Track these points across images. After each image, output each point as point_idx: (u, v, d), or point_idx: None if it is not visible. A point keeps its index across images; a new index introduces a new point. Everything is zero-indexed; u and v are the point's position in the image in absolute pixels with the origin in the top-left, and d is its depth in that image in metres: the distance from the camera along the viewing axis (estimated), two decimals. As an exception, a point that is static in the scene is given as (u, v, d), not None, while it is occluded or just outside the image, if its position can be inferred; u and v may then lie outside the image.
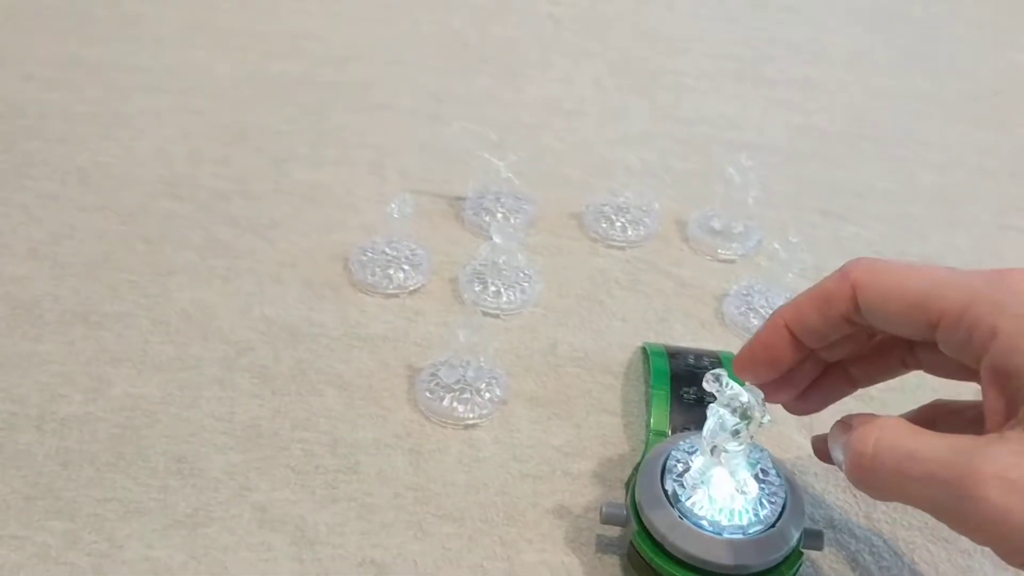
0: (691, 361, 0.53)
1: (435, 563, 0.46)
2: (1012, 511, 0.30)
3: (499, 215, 0.67)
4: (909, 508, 0.50)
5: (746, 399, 0.40)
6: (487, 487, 0.50)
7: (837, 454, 0.38)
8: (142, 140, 0.74)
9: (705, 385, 0.41)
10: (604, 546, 0.47)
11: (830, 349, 0.41)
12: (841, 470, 0.38)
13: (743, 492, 0.41)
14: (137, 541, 0.45)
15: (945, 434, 0.33)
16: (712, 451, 0.41)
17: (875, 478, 0.34)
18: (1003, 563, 0.47)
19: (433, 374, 0.54)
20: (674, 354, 0.54)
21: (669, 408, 0.50)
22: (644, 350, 0.56)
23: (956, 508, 0.31)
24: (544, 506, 0.49)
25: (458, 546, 0.47)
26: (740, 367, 0.41)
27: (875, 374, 0.43)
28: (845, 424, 0.38)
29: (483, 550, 0.47)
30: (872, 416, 0.37)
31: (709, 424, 0.41)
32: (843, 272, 0.38)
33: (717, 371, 0.40)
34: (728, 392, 0.40)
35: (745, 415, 0.40)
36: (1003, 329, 0.33)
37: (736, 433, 0.40)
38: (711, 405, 0.41)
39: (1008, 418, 0.33)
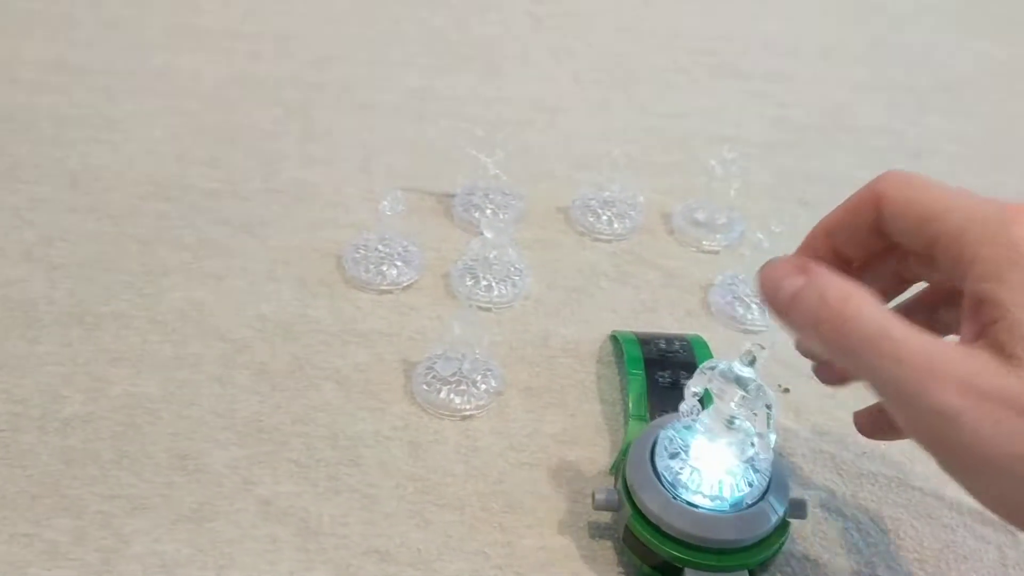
0: (662, 346, 0.55)
1: (438, 551, 0.47)
2: (964, 413, 0.31)
3: (488, 211, 0.68)
4: (894, 487, 0.52)
5: (738, 368, 0.41)
6: (485, 476, 0.51)
7: (783, 291, 0.36)
8: (131, 142, 0.75)
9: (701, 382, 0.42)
10: (600, 530, 0.48)
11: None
12: (777, 308, 0.37)
13: (751, 452, 0.43)
14: (144, 536, 0.46)
15: (919, 328, 0.33)
16: (727, 421, 0.43)
17: (845, 337, 0.33)
18: (975, 531, 0.49)
19: (429, 367, 0.55)
20: (645, 340, 0.56)
21: (646, 393, 0.52)
22: (615, 338, 0.58)
23: (911, 394, 0.32)
24: (541, 493, 0.50)
25: (459, 534, 0.48)
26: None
27: (887, 282, 0.43)
28: (797, 265, 0.36)
29: (484, 537, 0.48)
30: (838, 274, 0.35)
31: (719, 397, 0.42)
32: (872, 182, 0.39)
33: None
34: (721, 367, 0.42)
35: (743, 382, 0.41)
36: (983, 256, 0.34)
37: (744, 398, 0.41)
38: (715, 379, 0.42)
39: (977, 339, 0.34)
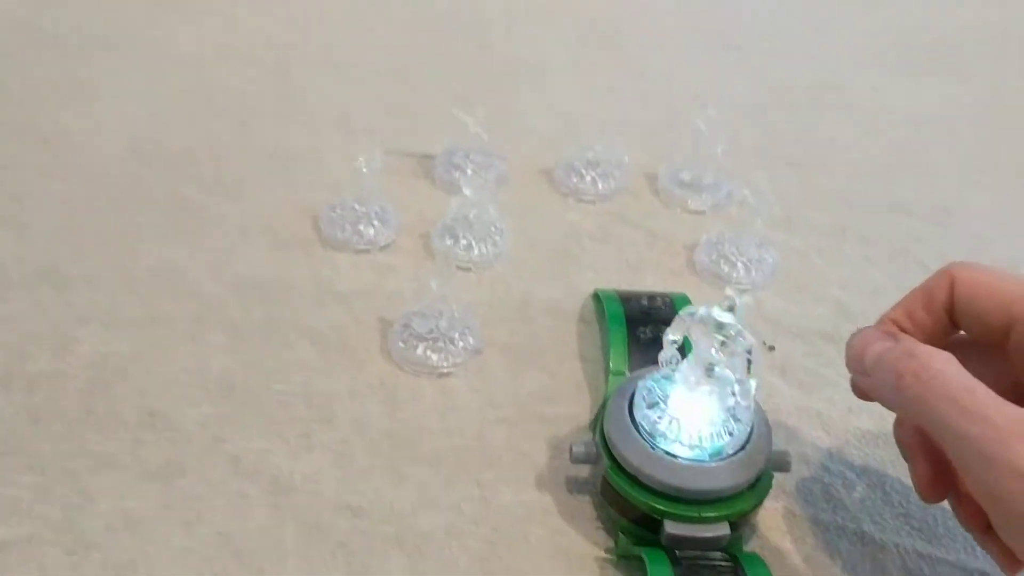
0: (644, 303, 0.54)
1: (412, 506, 0.46)
2: None
3: (469, 171, 0.67)
4: (880, 444, 0.51)
5: (718, 314, 0.40)
6: (463, 432, 0.50)
7: (870, 354, 0.38)
8: (103, 104, 0.73)
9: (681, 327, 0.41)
10: (579, 485, 0.47)
11: None
12: (860, 371, 0.39)
13: (734, 397, 0.42)
14: (110, 493, 0.45)
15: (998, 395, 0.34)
16: (707, 369, 0.41)
17: (926, 394, 0.35)
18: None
19: (406, 325, 0.54)
20: (626, 298, 0.54)
21: (627, 349, 0.51)
22: (597, 296, 0.57)
23: (993, 453, 0.32)
24: (519, 449, 0.49)
25: (435, 489, 0.47)
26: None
27: None
28: (888, 333, 0.39)
29: (460, 492, 0.47)
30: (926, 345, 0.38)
31: (698, 343, 0.41)
32: (944, 269, 0.40)
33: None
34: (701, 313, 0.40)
35: (722, 328, 0.40)
36: None
37: (724, 344, 0.40)
38: (694, 326, 0.41)
39: None
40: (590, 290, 0.59)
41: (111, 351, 0.52)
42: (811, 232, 0.66)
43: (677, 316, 0.42)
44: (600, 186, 0.67)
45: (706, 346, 0.41)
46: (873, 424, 0.52)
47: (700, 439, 0.42)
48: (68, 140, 0.69)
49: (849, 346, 0.41)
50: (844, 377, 0.54)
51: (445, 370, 0.53)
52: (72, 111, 0.72)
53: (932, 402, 0.34)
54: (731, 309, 0.40)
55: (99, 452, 0.47)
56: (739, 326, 0.40)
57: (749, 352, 0.40)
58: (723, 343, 0.40)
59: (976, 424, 0.33)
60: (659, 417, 0.42)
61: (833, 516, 0.47)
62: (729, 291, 0.40)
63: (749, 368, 0.41)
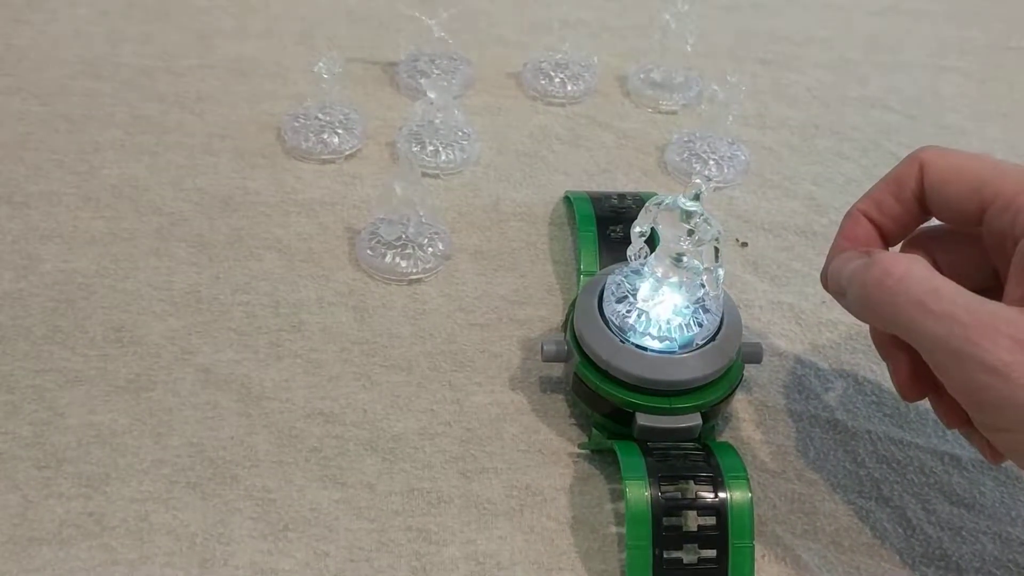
0: (614, 202, 0.53)
1: (384, 410, 0.46)
2: (1016, 368, 0.31)
3: (435, 76, 0.65)
4: (853, 334, 0.51)
5: (684, 203, 0.39)
6: (434, 337, 0.49)
7: (844, 273, 0.38)
8: (57, 22, 0.71)
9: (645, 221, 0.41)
10: (552, 384, 0.47)
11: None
12: (838, 291, 0.39)
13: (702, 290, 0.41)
14: (79, 408, 0.45)
15: (966, 290, 0.34)
16: (674, 260, 0.41)
17: (894, 300, 0.34)
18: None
19: (373, 232, 0.53)
20: (597, 198, 0.54)
21: (597, 248, 0.50)
22: (567, 198, 0.56)
23: (961, 350, 0.32)
24: (492, 351, 0.49)
25: (407, 393, 0.47)
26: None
27: None
28: (863, 251, 0.39)
29: (432, 395, 0.47)
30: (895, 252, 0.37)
31: (665, 233, 0.41)
32: (912, 155, 0.39)
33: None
34: (668, 203, 0.40)
35: (689, 217, 0.39)
36: None
37: (691, 233, 0.40)
38: (660, 215, 0.40)
39: None
40: (561, 193, 0.58)
41: (74, 268, 0.51)
42: (783, 129, 0.66)
43: (644, 207, 0.41)
44: (569, 88, 0.66)
45: (673, 236, 0.40)
46: (846, 316, 0.52)
47: (669, 331, 0.41)
48: (23, 59, 0.67)
49: (828, 272, 0.40)
50: (817, 270, 0.54)
51: (415, 276, 0.52)
52: (26, 30, 0.70)
53: (899, 307, 0.34)
54: (697, 197, 0.39)
55: (66, 368, 0.46)
56: (706, 213, 0.40)
57: (717, 240, 0.40)
58: (690, 232, 0.40)
59: (943, 324, 0.33)
60: (628, 311, 0.42)
61: (806, 406, 0.48)
62: (696, 179, 0.40)
63: (717, 256, 0.40)
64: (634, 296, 0.42)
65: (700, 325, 0.42)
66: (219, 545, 0.40)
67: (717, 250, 0.40)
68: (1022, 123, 0.68)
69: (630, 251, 0.43)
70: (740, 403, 0.47)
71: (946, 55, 0.75)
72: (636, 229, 0.42)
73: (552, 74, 0.66)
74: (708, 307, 0.42)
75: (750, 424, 0.47)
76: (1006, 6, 0.82)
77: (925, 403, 0.47)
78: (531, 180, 0.60)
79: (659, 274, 0.42)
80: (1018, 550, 0.42)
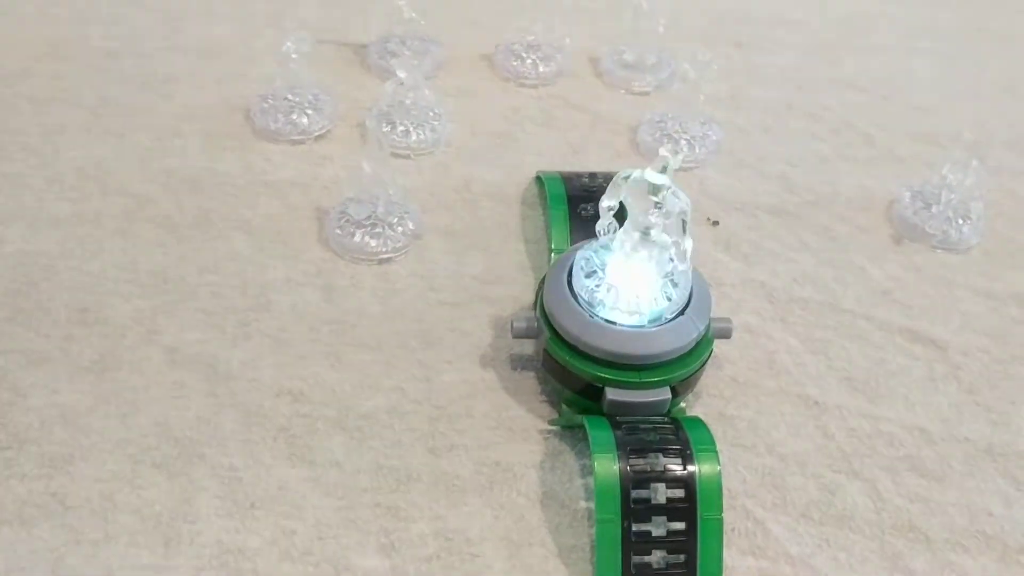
0: (585, 181, 0.53)
1: (353, 389, 0.45)
2: None
3: (405, 56, 0.64)
4: (824, 312, 0.51)
5: (651, 176, 0.39)
6: (403, 316, 0.49)
7: None
8: (23, 4, 0.70)
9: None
10: (523, 361, 0.47)
11: None
12: None
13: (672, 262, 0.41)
14: (42, 389, 0.44)
15: None
16: (643, 234, 0.41)
17: None
18: (905, 349, 0.49)
19: (342, 212, 0.53)
20: (568, 178, 0.54)
21: (568, 227, 0.50)
22: (539, 178, 0.56)
23: None
24: (462, 330, 0.49)
25: (376, 371, 0.46)
26: None
27: None
28: None
29: (401, 373, 0.46)
30: None
31: (633, 207, 0.40)
32: None
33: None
34: (635, 176, 0.40)
35: (657, 190, 0.39)
36: None
37: (658, 206, 0.39)
38: (628, 189, 0.40)
39: None
40: (533, 173, 0.58)
41: (38, 250, 0.51)
42: (756, 109, 0.66)
43: (611, 182, 0.41)
44: (541, 69, 0.66)
45: (641, 209, 0.40)
46: (817, 293, 0.52)
47: (638, 305, 0.41)
48: (-15, 41, 0.66)
49: None
50: (789, 249, 0.55)
51: (384, 256, 0.52)
52: (-12, 12, 0.69)
53: None
54: (664, 171, 0.39)
55: (29, 349, 0.46)
56: (673, 186, 0.39)
57: (684, 213, 0.40)
58: (658, 204, 0.39)
59: None
60: (597, 286, 0.42)
61: (776, 382, 0.48)
62: (663, 151, 0.39)
63: (685, 229, 0.40)
64: (603, 271, 0.42)
65: (669, 299, 0.42)
66: (185, 524, 0.40)
67: (685, 223, 0.40)
68: (992, 103, 0.68)
69: (599, 226, 0.43)
70: (711, 379, 0.47)
71: (917, 37, 0.75)
72: (604, 203, 0.42)
73: (524, 56, 0.66)
74: (677, 281, 0.42)
75: (721, 400, 0.46)
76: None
77: (894, 376, 0.48)
78: (503, 161, 0.59)
79: (628, 248, 0.41)
80: (986, 521, 0.42)
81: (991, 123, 0.66)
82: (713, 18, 0.75)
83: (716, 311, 0.45)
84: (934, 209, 0.56)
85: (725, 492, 0.40)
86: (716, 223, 0.56)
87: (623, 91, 0.66)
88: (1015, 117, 0.67)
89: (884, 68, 0.71)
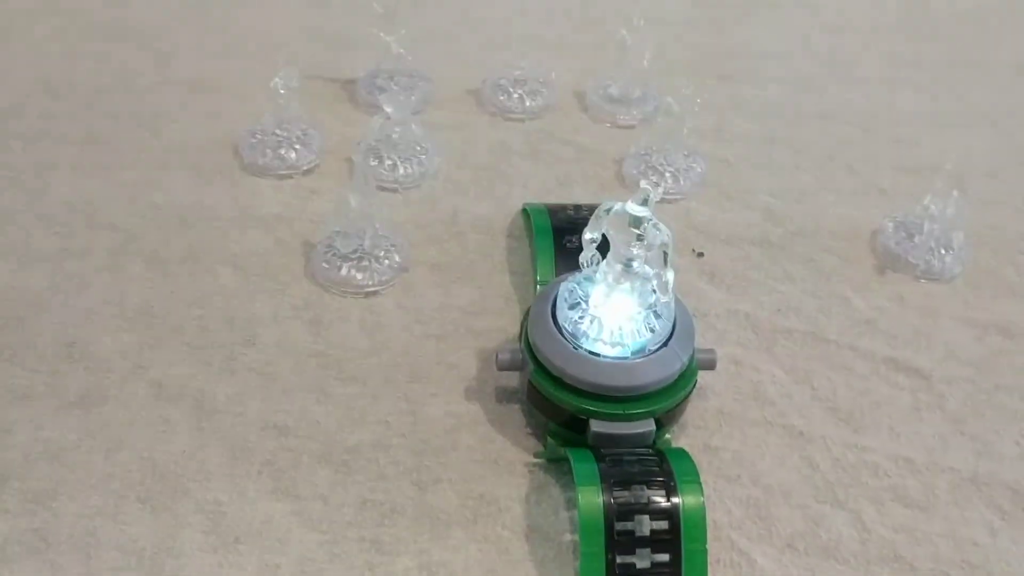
0: (571, 213, 0.53)
1: (338, 423, 0.45)
2: None
3: (392, 91, 0.65)
4: (808, 342, 0.51)
5: (632, 208, 0.40)
6: (390, 349, 0.49)
7: None
8: (12, 42, 0.71)
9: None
10: (508, 394, 0.47)
11: None
12: None
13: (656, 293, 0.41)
14: (27, 424, 0.44)
15: None
16: (625, 266, 0.41)
17: None
18: (889, 378, 0.49)
19: (329, 245, 0.53)
20: (554, 210, 0.54)
21: (553, 259, 0.50)
22: (525, 210, 0.56)
23: None
24: (448, 362, 0.49)
25: (362, 405, 0.46)
26: None
27: None
28: None
29: (387, 407, 0.46)
30: None
31: (615, 239, 0.41)
32: None
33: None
34: (616, 210, 0.40)
35: (638, 222, 0.39)
36: None
37: (640, 238, 0.40)
38: (610, 222, 0.40)
39: None
40: (519, 206, 0.58)
41: (25, 286, 0.51)
42: (740, 142, 0.66)
43: (594, 215, 0.41)
44: (528, 103, 0.66)
45: (623, 241, 0.40)
46: (801, 323, 0.53)
47: (622, 336, 0.41)
48: (-24, 78, 0.66)
49: None
50: (773, 279, 0.55)
51: (371, 289, 0.52)
52: (-20, 49, 0.69)
53: None
54: (645, 203, 0.40)
55: (14, 385, 0.46)
56: (655, 218, 0.40)
57: (666, 245, 0.40)
58: (639, 237, 0.40)
59: None
60: (580, 317, 0.42)
61: (761, 412, 0.48)
62: (644, 183, 0.40)
63: (666, 261, 0.40)
64: (586, 302, 0.42)
65: (652, 331, 0.42)
66: (168, 559, 0.39)
67: (666, 254, 0.40)
68: (974, 134, 0.69)
69: (582, 258, 0.43)
70: (696, 410, 0.47)
71: (899, 67, 0.76)
72: (587, 236, 0.42)
73: (511, 90, 0.67)
74: (660, 312, 0.42)
75: (705, 431, 0.47)
76: (957, 24, 0.83)
77: (879, 406, 0.48)
78: (489, 193, 0.60)
79: (610, 280, 0.42)
80: (971, 550, 0.42)
81: (973, 154, 0.67)
82: (697, 53, 0.76)
83: (701, 342, 0.45)
84: (917, 239, 0.56)
85: (710, 524, 0.40)
86: (701, 254, 0.56)
87: (608, 124, 0.67)
88: (997, 148, 0.68)
89: (867, 101, 0.72)
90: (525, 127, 0.66)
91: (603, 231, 0.41)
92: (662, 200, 0.59)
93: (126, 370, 0.47)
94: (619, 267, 0.41)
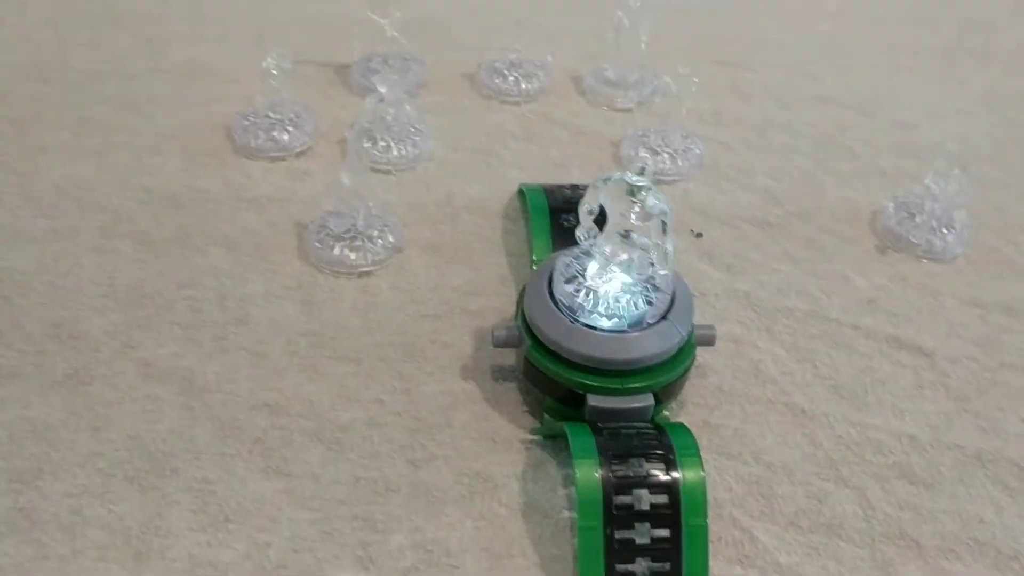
0: (567, 192, 0.53)
1: (331, 401, 0.44)
2: None
3: (385, 71, 0.64)
4: (809, 320, 0.51)
5: (630, 178, 0.39)
6: (384, 328, 0.48)
7: None
8: (4, 27, 0.70)
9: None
10: (504, 372, 0.46)
11: None
12: None
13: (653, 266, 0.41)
14: (13, 403, 0.43)
15: None
16: (623, 236, 0.40)
17: None
18: (892, 357, 0.48)
19: (322, 225, 0.52)
20: (550, 190, 0.53)
21: (550, 238, 0.49)
22: (521, 191, 0.55)
23: None
24: (443, 342, 0.48)
25: (355, 384, 0.45)
26: None
27: None
28: None
29: (381, 385, 0.45)
30: None
31: (612, 210, 0.40)
32: None
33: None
34: (613, 181, 0.39)
35: (636, 191, 0.39)
36: None
37: (637, 208, 0.39)
38: (607, 192, 0.40)
39: None
40: (515, 188, 0.57)
41: (12, 267, 0.50)
42: (738, 125, 0.65)
43: (591, 185, 0.41)
44: (524, 86, 0.66)
45: (621, 212, 0.40)
46: (802, 303, 0.52)
47: (619, 308, 0.41)
48: (-34, 63, 0.66)
49: None
50: (773, 260, 0.54)
51: (365, 269, 0.51)
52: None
53: None
54: (642, 172, 0.39)
55: (0, 364, 0.45)
56: (652, 188, 0.39)
57: (664, 215, 0.39)
58: (636, 206, 0.39)
59: None
60: (577, 290, 0.41)
61: (762, 390, 0.47)
62: (642, 153, 0.39)
63: (665, 230, 0.39)
64: (583, 276, 0.42)
65: (650, 303, 0.41)
66: (156, 538, 0.38)
67: (665, 224, 0.39)
68: (974, 119, 0.68)
69: (579, 231, 0.42)
70: (696, 388, 0.46)
71: (899, 54, 0.75)
72: (584, 208, 0.41)
73: (506, 73, 0.66)
74: (658, 285, 0.41)
75: (706, 408, 0.46)
76: (956, 9, 0.83)
77: (882, 384, 0.47)
78: (485, 176, 0.59)
79: (608, 252, 0.41)
80: (977, 527, 0.41)
81: (973, 138, 0.66)
82: (695, 37, 0.75)
83: (700, 322, 0.44)
84: (918, 219, 0.55)
85: (712, 502, 0.39)
86: (700, 235, 0.55)
87: (605, 108, 0.66)
88: (996, 132, 0.67)
89: (867, 86, 0.71)
90: (521, 109, 0.65)
91: (600, 202, 0.40)
92: (658, 180, 0.59)
93: (114, 349, 0.46)
94: (617, 238, 0.41)
